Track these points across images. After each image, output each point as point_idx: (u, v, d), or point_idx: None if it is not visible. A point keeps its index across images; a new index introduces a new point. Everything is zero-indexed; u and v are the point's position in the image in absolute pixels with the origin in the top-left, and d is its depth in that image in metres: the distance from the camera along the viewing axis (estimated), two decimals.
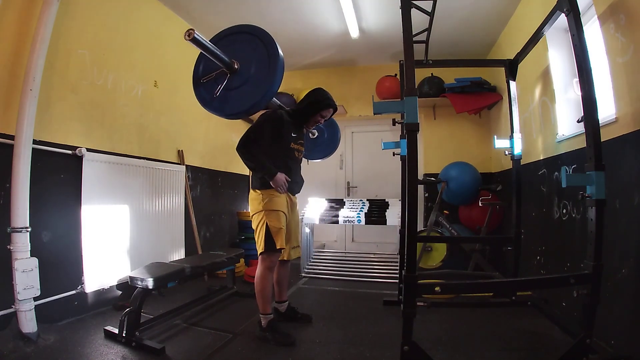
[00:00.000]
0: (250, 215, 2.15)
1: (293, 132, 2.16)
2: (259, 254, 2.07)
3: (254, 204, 2.12)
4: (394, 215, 3.51)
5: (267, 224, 2.03)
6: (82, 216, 2.27)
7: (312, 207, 3.86)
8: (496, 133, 3.55)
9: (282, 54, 1.79)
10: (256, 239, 2.09)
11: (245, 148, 2.02)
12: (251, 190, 2.16)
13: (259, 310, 2.07)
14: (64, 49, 2.22)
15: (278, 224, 2.04)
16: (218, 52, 1.69)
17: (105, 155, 2.47)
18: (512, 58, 2.45)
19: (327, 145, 2.69)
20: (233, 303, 2.69)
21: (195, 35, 1.55)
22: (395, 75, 3.96)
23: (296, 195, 2.31)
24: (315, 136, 2.56)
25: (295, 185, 2.23)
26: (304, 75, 4.69)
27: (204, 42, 1.62)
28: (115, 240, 2.50)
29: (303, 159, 2.36)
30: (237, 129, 4.19)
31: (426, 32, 2.35)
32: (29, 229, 1.90)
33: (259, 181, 2.11)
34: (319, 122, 2.27)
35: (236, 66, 1.77)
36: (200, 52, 1.79)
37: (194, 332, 2.14)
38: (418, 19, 1.84)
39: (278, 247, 2.02)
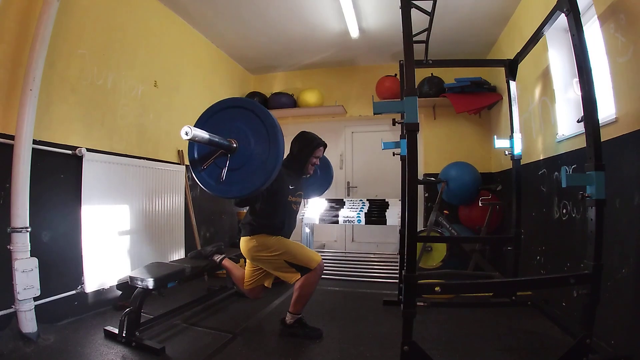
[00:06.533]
0: (249, 259, 2.16)
1: (290, 185, 2.16)
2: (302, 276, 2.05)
3: (247, 252, 2.12)
4: (394, 215, 3.51)
5: (284, 261, 2.04)
6: (82, 216, 2.27)
7: (312, 207, 3.85)
8: (496, 133, 3.55)
9: (277, 122, 1.69)
10: (281, 276, 2.09)
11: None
12: (242, 239, 2.14)
13: (291, 310, 2.09)
14: (64, 49, 2.22)
15: (289, 255, 2.05)
16: (217, 140, 1.58)
17: (105, 155, 2.47)
18: (512, 58, 2.45)
19: (320, 183, 2.73)
20: (233, 303, 2.69)
21: (194, 131, 1.43)
22: (395, 75, 3.95)
23: None
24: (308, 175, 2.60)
25: (287, 234, 2.22)
26: (304, 75, 4.68)
27: (202, 135, 1.51)
28: (115, 240, 2.50)
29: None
30: None
31: (426, 32, 2.34)
32: (29, 229, 1.90)
33: (248, 227, 2.11)
34: (315, 164, 2.29)
35: (235, 145, 1.67)
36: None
37: (193, 332, 2.14)
38: (418, 19, 1.83)
39: (313, 267, 2.02)
